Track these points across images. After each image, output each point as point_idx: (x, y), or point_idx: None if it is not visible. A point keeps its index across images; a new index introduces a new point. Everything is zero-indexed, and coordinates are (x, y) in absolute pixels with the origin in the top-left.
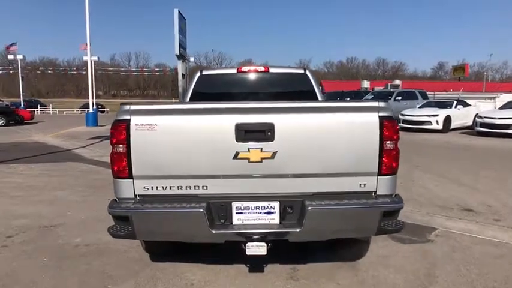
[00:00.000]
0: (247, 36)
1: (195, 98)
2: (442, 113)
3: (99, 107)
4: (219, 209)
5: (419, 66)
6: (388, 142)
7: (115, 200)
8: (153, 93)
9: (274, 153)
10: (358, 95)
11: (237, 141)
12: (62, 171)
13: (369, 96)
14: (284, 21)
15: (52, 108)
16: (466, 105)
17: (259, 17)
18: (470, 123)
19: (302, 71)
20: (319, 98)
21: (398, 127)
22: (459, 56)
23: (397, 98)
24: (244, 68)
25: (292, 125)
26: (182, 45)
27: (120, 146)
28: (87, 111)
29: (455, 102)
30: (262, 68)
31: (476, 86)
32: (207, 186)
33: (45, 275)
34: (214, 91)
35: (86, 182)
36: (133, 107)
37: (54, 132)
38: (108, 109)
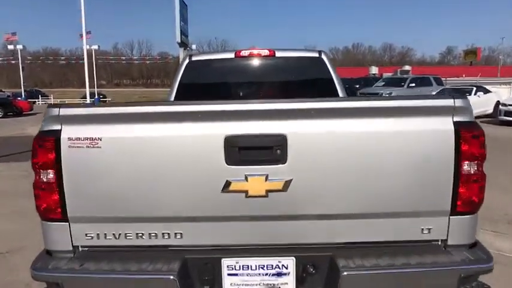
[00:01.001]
0: (250, 24)
1: (181, 92)
2: None
3: (101, 96)
4: (201, 269)
5: (427, 51)
6: (467, 163)
7: (47, 252)
8: (157, 82)
9: (288, 183)
10: (367, 82)
11: (227, 163)
12: None
13: (380, 83)
14: (288, 7)
15: (53, 98)
16: (486, 91)
17: (262, 3)
18: (490, 111)
19: (316, 55)
20: (340, 90)
21: (483, 138)
22: (468, 40)
23: (411, 84)
24: (244, 52)
25: (315, 137)
26: (183, 33)
27: (49, 172)
28: (88, 101)
29: (474, 88)
30: (266, 52)
31: (490, 71)
32: (181, 234)
33: None
34: (206, 82)
35: None
36: (64, 111)
37: None
38: (110, 99)
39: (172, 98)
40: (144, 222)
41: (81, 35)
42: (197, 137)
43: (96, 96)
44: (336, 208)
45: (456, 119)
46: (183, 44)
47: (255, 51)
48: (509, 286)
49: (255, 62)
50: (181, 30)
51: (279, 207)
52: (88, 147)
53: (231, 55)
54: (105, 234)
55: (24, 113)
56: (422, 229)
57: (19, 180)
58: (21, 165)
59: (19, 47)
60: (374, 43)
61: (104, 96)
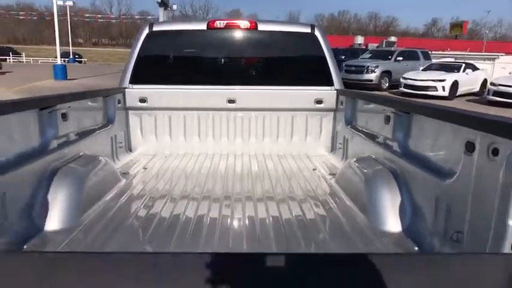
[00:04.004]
0: None
1: (140, 68)
2: (449, 77)
3: (76, 56)
4: None
5: (411, 22)
6: None
7: None
8: None
9: None
10: (353, 53)
11: None
12: None
13: (366, 55)
14: None
15: (26, 56)
16: (474, 69)
17: None
18: (477, 88)
19: (308, 30)
20: (333, 70)
21: None
22: (453, 12)
23: (398, 58)
24: (219, 23)
25: None
26: None
27: None
28: (58, 61)
29: (463, 65)
30: (246, 24)
31: (475, 45)
32: None
33: None
34: (169, 61)
35: None
36: None
37: (17, 87)
38: (86, 59)
39: (128, 77)
40: None
41: None
42: None
43: (71, 56)
44: None
45: None
46: (163, 4)
47: (234, 22)
48: None
49: (233, 36)
50: None
51: None
52: None
53: (203, 26)
54: None
55: None
56: None
57: None
58: None
59: None
60: (360, 11)
61: (80, 56)
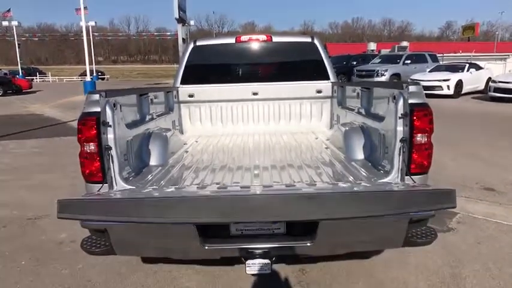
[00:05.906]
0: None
1: (188, 72)
2: (454, 77)
3: (99, 73)
4: None
5: (426, 26)
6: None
7: None
8: (154, 58)
9: None
10: (365, 59)
11: None
12: (56, 148)
13: (376, 60)
14: None
15: (51, 76)
16: (478, 68)
17: None
18: (482, 87)
19: (309, 40)
20: (329, 71)
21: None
22: (468, 14)
23: (406, 61)
24: (244, 38)
25: None
26: (181, 8)
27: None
28: (86, 79)
29: (467, 65)
30: (263, 37)
31: (486, 47)
32: None
33: (18, 286)
34: (209, 65)
35: None
36: None
37: (52, 103)
38: (108, 76)
39: (179, 79)
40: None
41: (77, 9)
42: None
43: (94, 74)
44: None
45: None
46: (181, 20)
47: (254, 37)
48: (476, 244)
49: (254, 46)
50: (179, 5)
51: None
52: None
53: (232, 40)
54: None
55: (23, 91)
56: None
57: (32, 156)
58: (32, 143)
59: (14, 23)
60: (374, 17)
61: (103, 74)
